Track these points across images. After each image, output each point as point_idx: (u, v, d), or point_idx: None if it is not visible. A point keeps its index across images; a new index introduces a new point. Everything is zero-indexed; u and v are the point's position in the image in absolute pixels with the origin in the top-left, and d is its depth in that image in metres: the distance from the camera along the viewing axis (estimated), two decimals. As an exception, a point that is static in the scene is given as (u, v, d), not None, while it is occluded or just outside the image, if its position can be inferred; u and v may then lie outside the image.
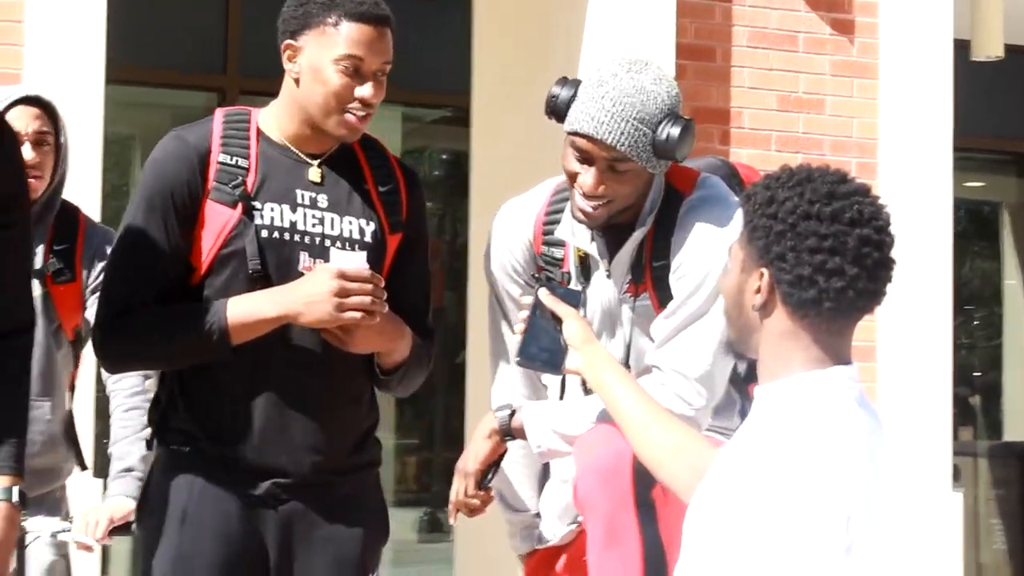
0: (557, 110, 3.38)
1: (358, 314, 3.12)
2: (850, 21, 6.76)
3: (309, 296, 3.13)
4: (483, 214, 6.50)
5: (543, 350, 3.14)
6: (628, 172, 3.32)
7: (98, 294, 3.57)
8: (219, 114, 3.30)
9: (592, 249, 3.45)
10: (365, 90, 3.19)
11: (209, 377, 3.22)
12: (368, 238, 3.26)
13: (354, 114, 3.20)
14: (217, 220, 3.20)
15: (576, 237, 3.46)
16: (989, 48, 7.91)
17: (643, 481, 3.05)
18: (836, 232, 2.45)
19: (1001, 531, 10.57)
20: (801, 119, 6.59)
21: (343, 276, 3.12)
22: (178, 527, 3.23)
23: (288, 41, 3.23)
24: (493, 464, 3.55)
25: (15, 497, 3.02)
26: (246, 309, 3.17)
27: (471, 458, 3.53)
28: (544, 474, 3.64)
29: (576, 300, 3.18)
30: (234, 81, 8.86)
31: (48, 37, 5.73)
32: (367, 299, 3.12)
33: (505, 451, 3.53)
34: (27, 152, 3.96)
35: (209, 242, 3.20)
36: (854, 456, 2.43)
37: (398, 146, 9.89)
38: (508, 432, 3.47)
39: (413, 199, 3.35)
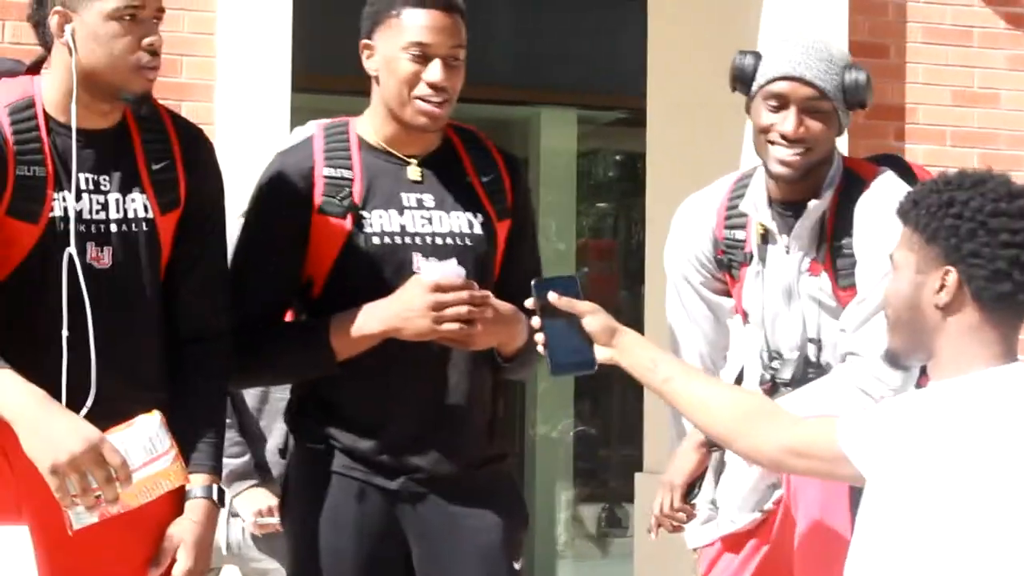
0: (744, 76, 3.48)
1: (456, 325, 3.11)
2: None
3: (406, 311, 3.13)
4: (659, 215, 6.49)
5: (571, 352, 2.95)
6: (823, 114, 3.41)
7: None
8: (319, 129, 3.33)
9: (772, 224, 3.49)
10: (433, 74, 3.18)
11: (338, 377, 3.24)
12: (477, 230, 3.28)
13: (428, 101, 3.19)
14: (329, 233, 3.22)
15: (758, 211, 3.50)
16: None
17: None
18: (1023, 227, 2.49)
19: None
20: (976, 114, 6.50)
21: (437, 288, 3.11)
22: (320, 523, 3.25)
23: (364, 41, 3.27)
24: (699, 477, 3.56)
25: (215, 495, 3.10)
26: (348, 327, 3.18)
27: (677, 471, 3.55)
28: (720, 465, 3.65)
29: (575, 286, 2.97)
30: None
31: (238, 49, 5.82)
32: (463, 309, 3.11)
33: (705, 465, 3.55)
34: None
35: (324, 256, 3.23)
36: None
37: (573, 148, 9.93)
38: (714, 443, 3.46)
39: (517, 185, 3.36)
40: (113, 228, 3.06)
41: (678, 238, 3.68)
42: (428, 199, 3.28)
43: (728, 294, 3.65)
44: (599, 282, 10.01)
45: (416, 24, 3.20)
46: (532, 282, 2.95)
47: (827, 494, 3.28)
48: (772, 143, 3.43)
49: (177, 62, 5.63)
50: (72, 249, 3.01)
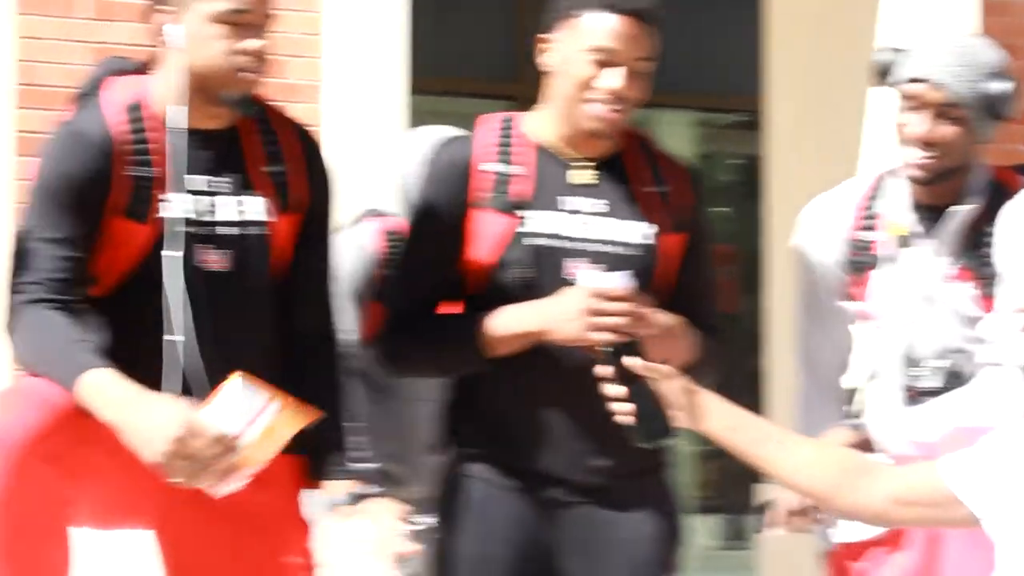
0: (885, 70, 3.43)
1: (608, 335, 3.03)
2: None
3: (561, 314, 3.07)
4: (779, 218, 6.44)
5: (653, 420, 2.86)
6: (958, 120, 3.35)
7: None
8: (486, 121, 3.27)
9: (914, 228, 3.43)
10: (614, 80, 3.11)
11: (490, 385, 3.21)
12: (643, 240, 3.20)
13: (604, 106, 3.13)
14: (488, 229, 3.17)
15: (898, 213, 3.44)
16: None
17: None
18: None
19: None
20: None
21: (598, 295, 3.05)
22: (471, 529, 3.23)
23: (543, 35, 3.20)
24: None
25: (352, 502, 3.12)
26: (505, 324, 3.14)
27: None
28: None
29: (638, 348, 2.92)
30: (527, 89, 8.95)
31: (346, 50, 5.83)
32: (620, 320, 3.03)
33: None
34: None
35: (482, 251, 3.18)
36: None
37: (688, 150, 9.86)
38: (855, 447, 3.39)
39: (694, 196, 3.28)
40: (228, 231, 3.07)
41: (808, 239, 3.61)
42: (593, 204, 3.20)
43: (854, 297, 3.57)
44: (721, 287, 9.94)
45: (602, 28, 3.12)
46: (607, 349, 2.92)
47: None
48: (905, 143, 3.39)
49: (284, 63, 5.63)
50: (171, 252, 3.01)
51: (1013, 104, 3.42)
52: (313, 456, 3.09)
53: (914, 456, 3.35)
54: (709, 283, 3.35)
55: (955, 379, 3.43)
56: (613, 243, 3.19)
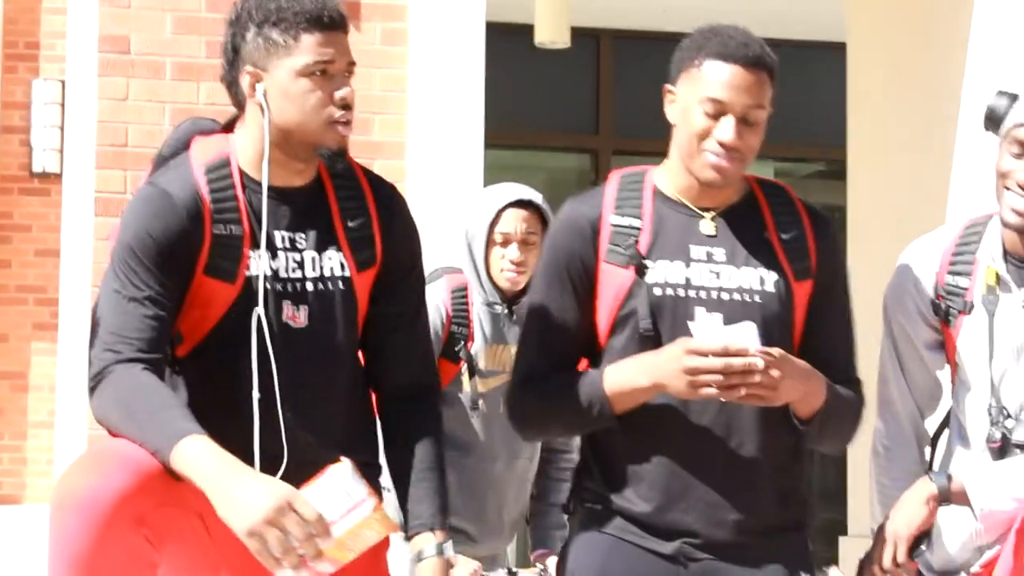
0: (995, 117, 3.38)
1: (713, 390, 3.02)
2: None
3: (666, 369, 3.06)
4: (862, 268, 6.38)
5: None
6: None
7: None
8: (614, 177, 3.30)
9: (1007, 276, 3.39)
10: (725, 133, 3.11)
11: (617, 439, 3.20)
12: (769, 288, 3.18)
13: (717, 157, 3.12)
14: (613, 282, 3.18)
15: (994, 261, 3.40)
16: None
17: None
18: None
19: None
20: None
21: (692, 352, 3.03)
22: None
23: (668, 87, 3.21)
24: (926, 533, 3.42)
25: (447, 552, 3.10)
26: (620, 380, 3.15)
27: (904, 524, 3.40)
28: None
29: None
30: (606, 141, 8.95)
31: (430, 107, 5.86)
32: (719, 377, 3.01)
33: (932, 520, 3.41)
34: (514, 252, 4.19)
35: (607, 305, 3.19)
36: None
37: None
38: (947, 498, 3.37)
39: (823, 244, 3.25)
40: (309, 287, 3.07)
41: (897, 283, 3.57)
42: (719, 253, 3.20)
43: (942, 345, 3.54)
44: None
45: (716, 79, 3.12)
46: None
47: None
48: (1008, 189, 3.34)
49: (369, 120, 5.67)
50: (260, 309, 3.01)
51: None
52: (413, 507, 3.11)
53: (1011, 511, 3.31)
54: (842, 333, 3.30)
55: None
56: (739, 291, 3.18)
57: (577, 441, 3.62)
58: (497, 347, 4.28)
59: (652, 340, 3.15)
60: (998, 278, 3.42)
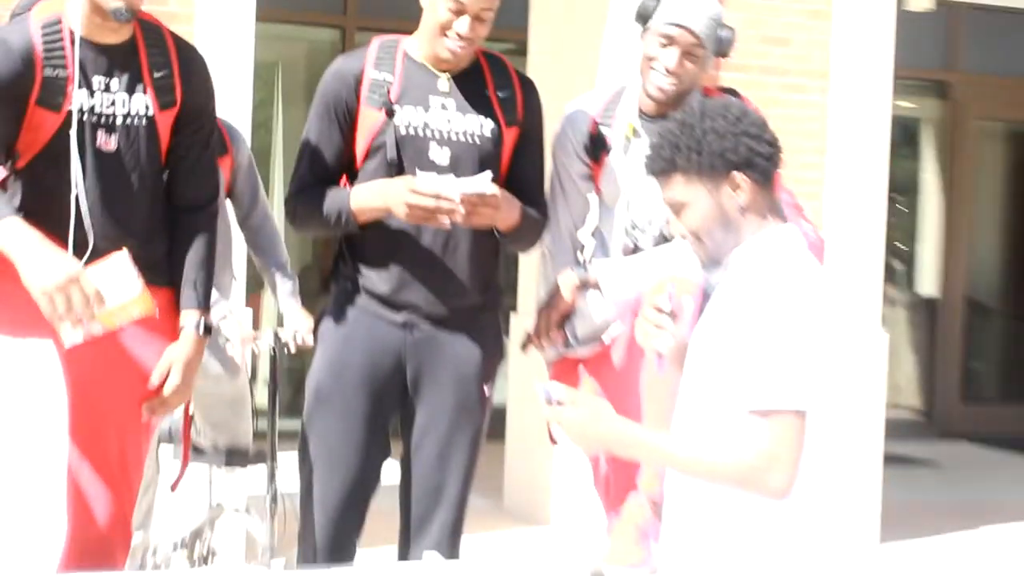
0: (645, 14, 3.43)
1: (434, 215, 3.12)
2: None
3: (394, 200, 3.15)
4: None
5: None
6: (698, 59, 3.38)
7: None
8: (376, 41, 3.32)
9: (640, 127, 3.46)
10: (462, 27, 3.17)
11: (364, 237, 3.29)
12: (487, 133, 3.25)
13: (453, 43, 3.18)
14: (369, 122, 3.23)
15: (631, 115, 3.48)
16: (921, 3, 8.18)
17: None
18: (754, 118, 2.49)
19: (912, 361, 10.59)
20: (774, 52, 6.42)
21: (414, 191, 3.12)
22: (338, 342, 3.29)
23: None
24: (571, 310, 3.50)
25: (202, 328, 3.10)
26: (362, 199, 3.23)
27: (554, 304, 3.50)
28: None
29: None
30: (352, 20, 8.74)
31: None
32: (432, 207, 3.10)
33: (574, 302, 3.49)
34: None
35: (363, 139, 3.24)
36: (819, 278, 2.45)
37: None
38: (586, 284, 3.46)
39: (528, 101, 3.32)
40: (119, 120, 3.03)
41: (561, 129, 3.62)
42: (451, 104, 3.25)
43: (592, 177, 3.59)
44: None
45: None
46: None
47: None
48: (654, 70, 3.41)
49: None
50: (74, 131, 2.98)
51: (733, 48, 3.46)
52: (185, 291, 3.12)
53: (633, 296, 3.40)
54: (537, 168, 3.38)
55: (665, 241, 3.47)
56: (464, 134, 3.24)
57: None
58: None
59: (397, 167, 3.22)
60: (634, 130, 3.48)
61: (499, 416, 7.26)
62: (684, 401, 2.50)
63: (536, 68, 6.93)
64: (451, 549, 3.28)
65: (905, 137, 10.93)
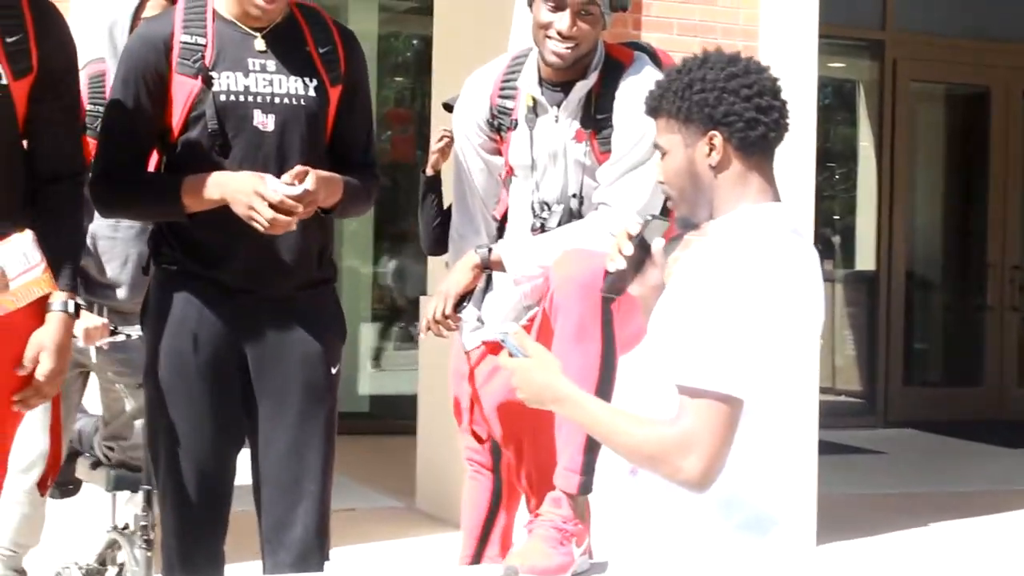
0: None
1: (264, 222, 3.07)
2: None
3: (237, 197, 3.09)
4: (443, 88, 6.44)
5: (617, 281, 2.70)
6: (592, 17, 3.38)
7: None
8: (181, 2, 3.25)
9: (543, 98, 3.47)
10: None
11: (193, 222, 3.19)
12: (312, 93, 3.21)
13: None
14: (183, 90, 3.16)
15: (531, 87, 3.49)
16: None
17: (609, 297, 2.99)
18: (755, 80, 2.48)
19: (851, 341, 10.71)
20: (697, 9, 6.52)
21: (259, 195, 3.06)
22: (170, 330, 3.22)
23: None
24: (469, 293, 3.52)
25: (71, 308, 3.06)
26: (197, 191, 3.14)
27: (452, 284, 3.51)
28: (487, 285, 3.63)
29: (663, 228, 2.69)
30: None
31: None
32: (268, 215, 3.05)
33: (476, 284, 3.52)
34: None
35: (179, 108, 3.17)
36: (788, 265, 2.43)
37: (375, 31, 9.77)
38: (487, 265, 3.47)
39: (351, 55, 3.30)
40: None
41: (462, 105, 3.64)
42: (271, 65, 3.20)
43: (499, 153, 3.62)
44: (400, 143, 9.97)
45: None
46: (648, 216, 2.74)
47: (584, 312, 3.28)
48: (549, 38, 3.41)
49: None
50: None
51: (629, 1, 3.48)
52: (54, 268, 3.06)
53: (535, 275, 3.44)
54: (364, 126, 3.35)
55: (575, 219, 3.49)
56: (288, 96, 3.20)
57: None
58: None
59: (219, 136, 3.16)
60: (536, 101, 3.49)
61: (410, 407, 7.35)
62: (637, 379, 2.54)
63: (443, 30, 6.98)
64: (319, 554, 3.19)
65: (840, 101, 11.10)
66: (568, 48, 3.39)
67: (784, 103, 2.51)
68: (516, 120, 3.53)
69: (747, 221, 2.47)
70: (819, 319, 2.48)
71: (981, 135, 10.92)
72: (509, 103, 3.55)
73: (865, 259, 10.74)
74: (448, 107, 3.47)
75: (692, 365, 2.35)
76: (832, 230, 10.96)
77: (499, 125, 3.57)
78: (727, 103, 2.45)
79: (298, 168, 3.10)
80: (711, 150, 2.48)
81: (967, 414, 10.52)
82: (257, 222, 3.07)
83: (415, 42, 10.19)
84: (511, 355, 2.51)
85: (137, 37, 3.23)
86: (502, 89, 3.56)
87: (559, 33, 3.39)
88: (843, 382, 10.61)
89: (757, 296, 2.35)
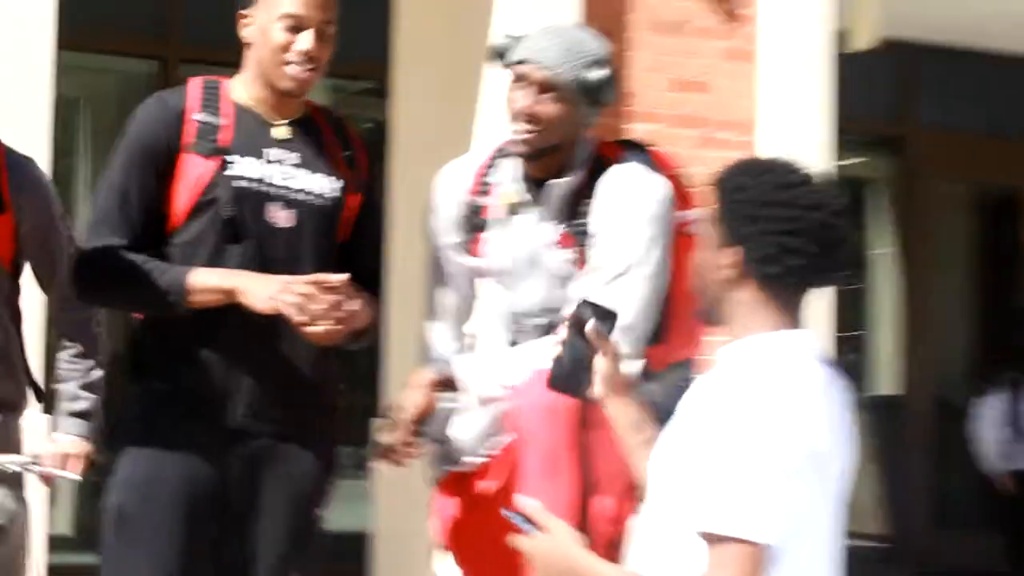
0: (501, 52, 3.55)
1: (292, 305, 3.18)
2: (732, 11, 6.79)
3: (260, 282, 3.20)
4: (402, 176, 6.54)
5: (573, 376, 2.89)
6: (559, 99, 3.45)
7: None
8: (196, 80, 3.40)
9: (523, 197, 3.54)
10: (304, 43, 3.30)
11: (184, 329, 3.28)
12: (331, 193, 3.37)
13: (298, 67, 3.31)
14: (194, 171, 3.29)
15: (510, 183, 3.56)
16: (863, 40, 8.30)
17: (583, 424, 3.06)
18: (795, 216, 2.53)
19: (875, 477, 10.60)
20: (690, 99, 6.64)
21: (291, 282, 3.18)
22: (147, 455, 3.28)
23: (241, 11, 3.37)
24: (429, 412, 3.54)
25: None
26: (206, 276, 3.23)
27: (407, 404, 3.54)
28: (451, 406, 3.63)
29: (613, 322, 2.89)
30: (176, 49, 8.85)
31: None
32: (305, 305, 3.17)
33: (433, 403, 3.55)
34: None
35: (187, 192, 3.30)
36: (814, 397, 2.51)
37: (327, 113, 9.88)
38: (444, 382, 3.53)
39: (371, 166, 3.48)
40: None
41: (437, 200, 3.68)
42: (290, 157, 3.35)
43: (472, 255, 3.65)
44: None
45: None
46: (582, 299, 2.91)
47: (555, 438, 3.33)
48: (513, 119, 3.48)
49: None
50: None
51: (612, 90, 3.50)
52: None
53: (500, 396, 3.45)
54: (378, 243, 3.52)
55: (552, 334, 3.41)
56: (306, 192, 3.35)
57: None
58: None
59: (232, 227, 3.27)
60: (516, 199, 3.55)
61: (364, 547, 7.27)
62: (647, 517, 2.59)
63: (402, 113, 7.12)
64: None
65: (853, 200, 11.15)
66: (528, 131, 3.45)
67: (829, 253, 2.55)
68: (490, 220, 3.59)
69: (766, 352, 2.54)
70: (850, 456, 2.59)
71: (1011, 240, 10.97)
72: (484, 200, 3.60)
73: (885, 381, 10.76)
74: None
75: (713, 509, 2.42)
76: (846, 346, 10.95)
77: (472, 225, 3.62)
78: (754, 227, 2.54)
79: (343, 276, 3.21)
80: (726, 264, 2.58)
81: (1005, 564, 10.40)
82: (291, 306, 3.15)
83: (369, 125, 10.34)
84: (519, 529, 2.56)
85: (149, 110, 3.35)
86: (480, 185, 3.62)
87: (520, 112, 3.45)
88: (866, 524, 10.47)
89: (773, 435, 2.43)
